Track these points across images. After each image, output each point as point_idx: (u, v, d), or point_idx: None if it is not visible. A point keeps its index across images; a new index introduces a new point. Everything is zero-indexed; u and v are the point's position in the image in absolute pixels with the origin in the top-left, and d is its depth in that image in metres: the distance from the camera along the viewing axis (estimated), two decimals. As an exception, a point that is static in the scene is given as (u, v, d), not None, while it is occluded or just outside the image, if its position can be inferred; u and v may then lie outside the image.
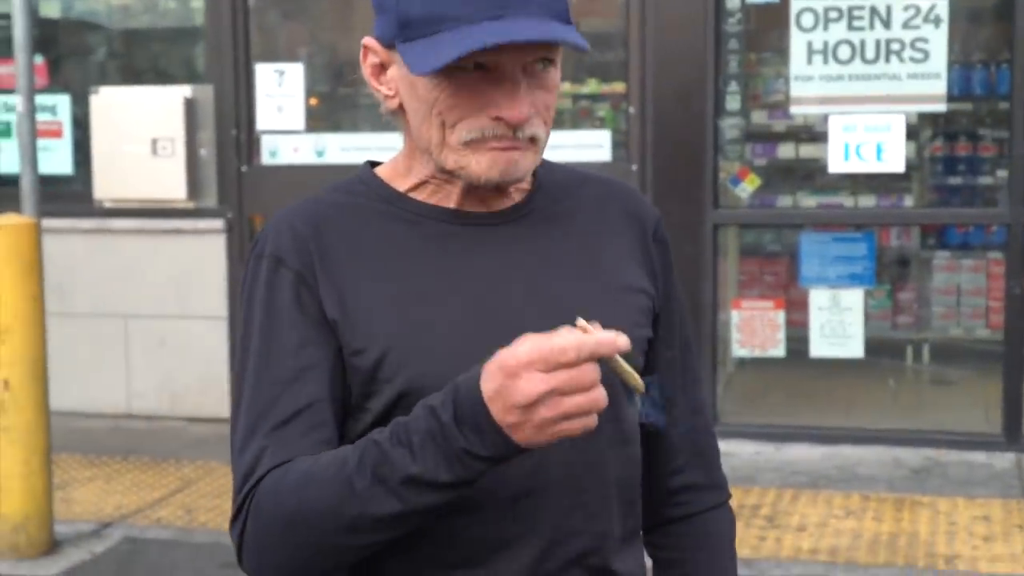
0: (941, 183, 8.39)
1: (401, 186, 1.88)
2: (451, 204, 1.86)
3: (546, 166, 1.93)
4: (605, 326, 1.60)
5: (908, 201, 8.15)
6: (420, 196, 1.86)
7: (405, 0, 1.73)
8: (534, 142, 1.77)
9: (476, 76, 1.71)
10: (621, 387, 1.62)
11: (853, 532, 6.23)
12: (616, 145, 7.85)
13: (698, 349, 6.87)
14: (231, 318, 8.05)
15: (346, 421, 1.80)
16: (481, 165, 1.76)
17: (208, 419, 8.05)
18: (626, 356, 1.56)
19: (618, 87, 7.88)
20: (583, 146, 7.83)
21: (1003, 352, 7.52)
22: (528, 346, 1.50)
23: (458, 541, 1.77)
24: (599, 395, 1.51)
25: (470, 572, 1.79)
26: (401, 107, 1.82)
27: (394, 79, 1.81)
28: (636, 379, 1.59)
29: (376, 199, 1.88)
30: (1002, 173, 7.82)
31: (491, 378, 1.53)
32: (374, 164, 1.95)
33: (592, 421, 1.53)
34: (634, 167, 7.65)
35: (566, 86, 7.94)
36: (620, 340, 1.52)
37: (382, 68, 1.83)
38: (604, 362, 1.54)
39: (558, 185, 1.95)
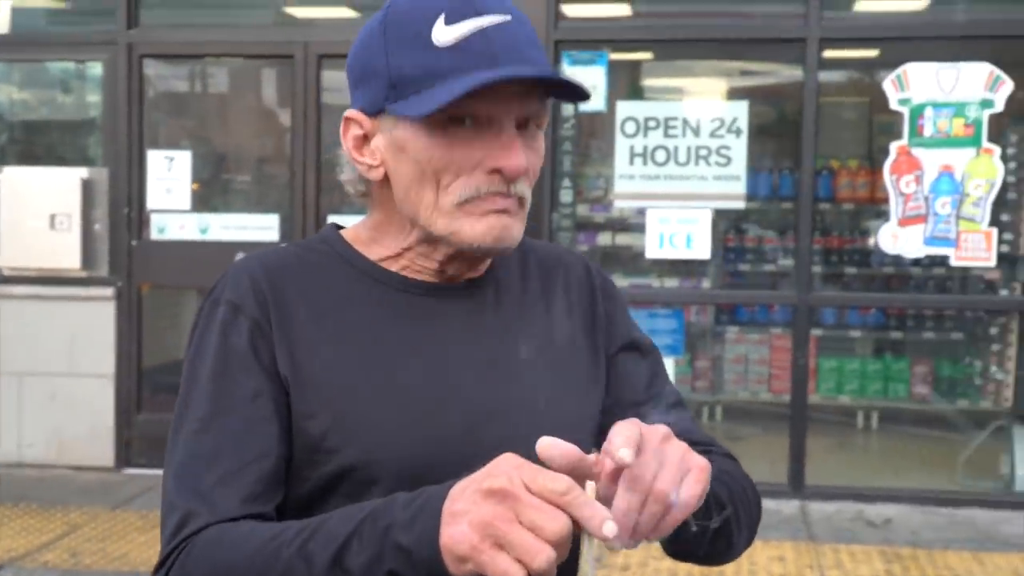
0: (733, 268, 8.35)
1: (369, 255, 1.61)
2: (419, 277, 1.60)
3: None
4: (557, 401, 1.54)
5: (706, 283, 8.07)
6: (389, 266, 1.60)
7: (396, 60, 1.49)
8: (522, 205, 1.53)
9: (471, 131, 1.47)
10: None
11: (670, 571, 5.99)
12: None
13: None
14: (117, 376, 7.79)
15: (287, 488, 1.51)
16: (476, 230, 1.50)
17: (94, 468, 7.75)
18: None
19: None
20: None
21: (790, 414, 7.41)
22: (536, 467, 1.20)
23: None
24: (544, 552, 1.14)
25: None
26: (385, 178, 1.55)
27: (379, 148, 1.55)
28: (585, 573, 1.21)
29: (338, 261, 1.61)
30: (784, 262, 7.67)
31: (495, 462, 1.22)
32: (338, 227, 1.69)
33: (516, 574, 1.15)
34: None
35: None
36: (607, 525, 1.15)
37: (365, 139, 1.56)
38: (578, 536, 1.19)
39: (518, 253, 1.66)
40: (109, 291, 7.74)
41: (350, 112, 1.56)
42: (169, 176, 7.75)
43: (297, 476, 1.50)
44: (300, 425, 1.49)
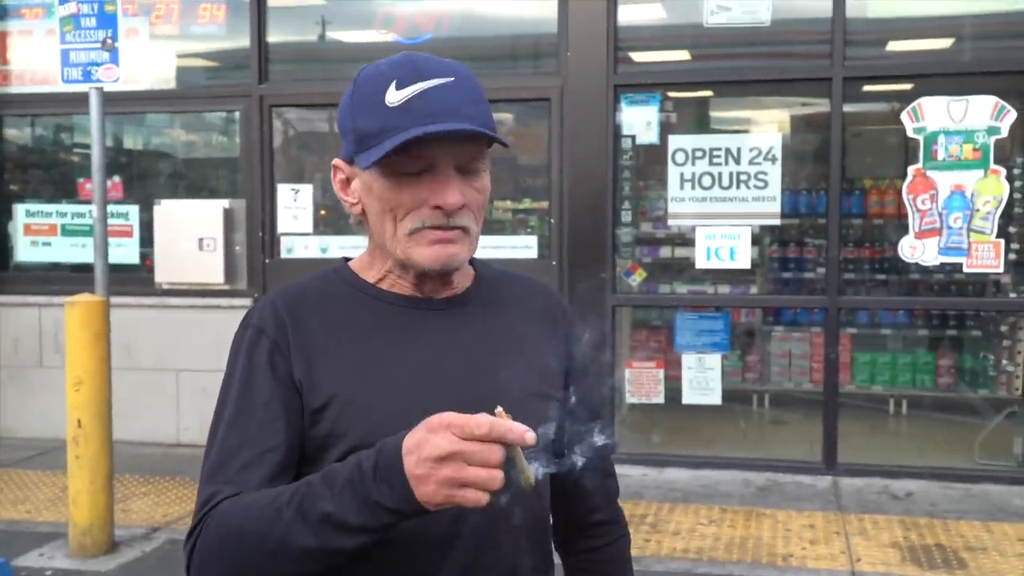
0: (777, 276, 8.23)
1: (367, 278, 1.72)
2: (406, 292, 1.69)
3: (484, 264, 1.80)
4: (522, 395, 1.56)
5: (753, 289, 8.01)
6: (382, 286, 1.70)
7: (360, 122, 1.60)
8: (466, 232, 1.62)
9: (417, 176, 1.58)
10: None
11: (715, 536, 6.10)
12: (542, 246, 7.73)
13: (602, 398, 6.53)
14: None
15: (305, 465, 1.60)
16: (425, 256, 1.61)
17: (237, 447, 7.87)
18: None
19: (543, 204, 7.77)
20: (518, 247, 7.76)
21: (823, 401, 7.42)
22: (452, 414, 1.34)
23: (391, 572, 1.57)
24: (496, 476, 1.32)
25: None
26: (363, 212, 1.67)
27: (356, 189, 1.66)
28: (528, 474, 1.36)
29: (345, 286, 1.72)
30: (820, 270, 7.67)
31: (414, 433, 1.36)
32: (348, 260, 1.80)
33: (483, 499, 1.33)
34: (554, 263, 7.60)
35: (508, 203, 7.94)
36: (528, 435, 1.32)
37: (347, 182, 1.68)
38: (507, 449, 1.34)
39: (493, 280, 1.80)
40: (248, 301, 7.95)
41: (335, 160, 1.68)
42: (295, 205, 7.99)
43: (315, 458, 1.59)
44: (314, 418, 1.59)
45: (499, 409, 1.34)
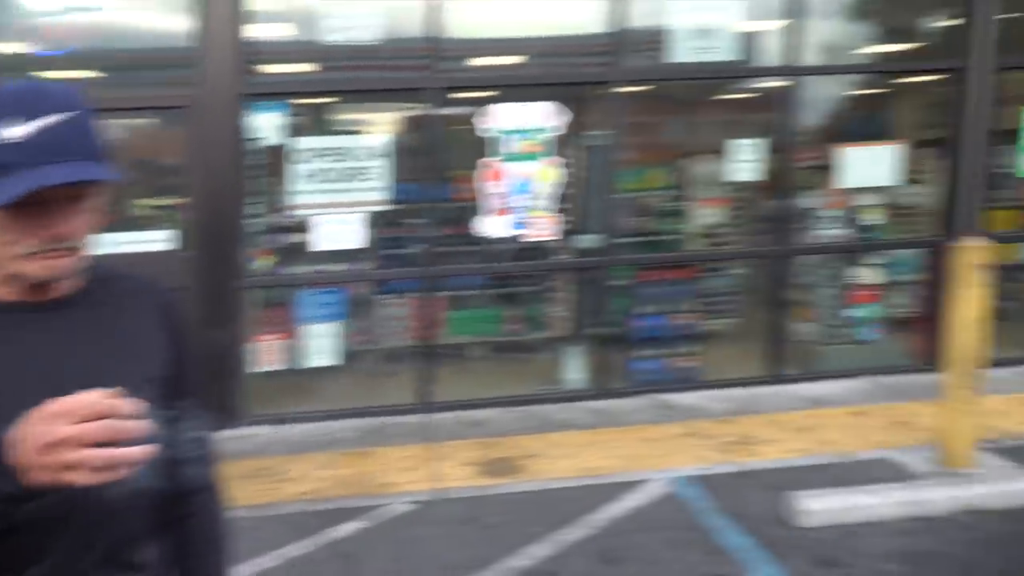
0: (385, 254, 8.30)
1: None
2: (13, 299, 1.62)
3: (99, 262, 1.72)
4: (127, 385, 1.43)
5: (366, 265, 8.14)
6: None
7: None
8: (74, 250, 1.59)
9: (35, 207, 1.51)
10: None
11: (331, 477, 6.19)
12: (179, 239, 7.37)
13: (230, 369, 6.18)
14: None
15: None
16: (35, 269, 1.57)
17: None
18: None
19: (181, 200, 7.43)
20: (157, 240, 7.36)
21: (423, 353, 7.76)
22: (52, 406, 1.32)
23: (22, 550, 1.54)
24: (93, 455, 1.28)
25: (33, 570, 1.56)
26: None
27: None
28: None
29: None
30: (420, 246, 7.94)
31: (20, 427, 1.33)
32: None
33: (93, 478, 1.29)
34: (190, 253, 7.36)
35: (148, 200, 7.53)
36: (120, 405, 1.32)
37: None
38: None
39: (105, 278, 1.74)
40: None
41: None
42: None
43: None
44: None
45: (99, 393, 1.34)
